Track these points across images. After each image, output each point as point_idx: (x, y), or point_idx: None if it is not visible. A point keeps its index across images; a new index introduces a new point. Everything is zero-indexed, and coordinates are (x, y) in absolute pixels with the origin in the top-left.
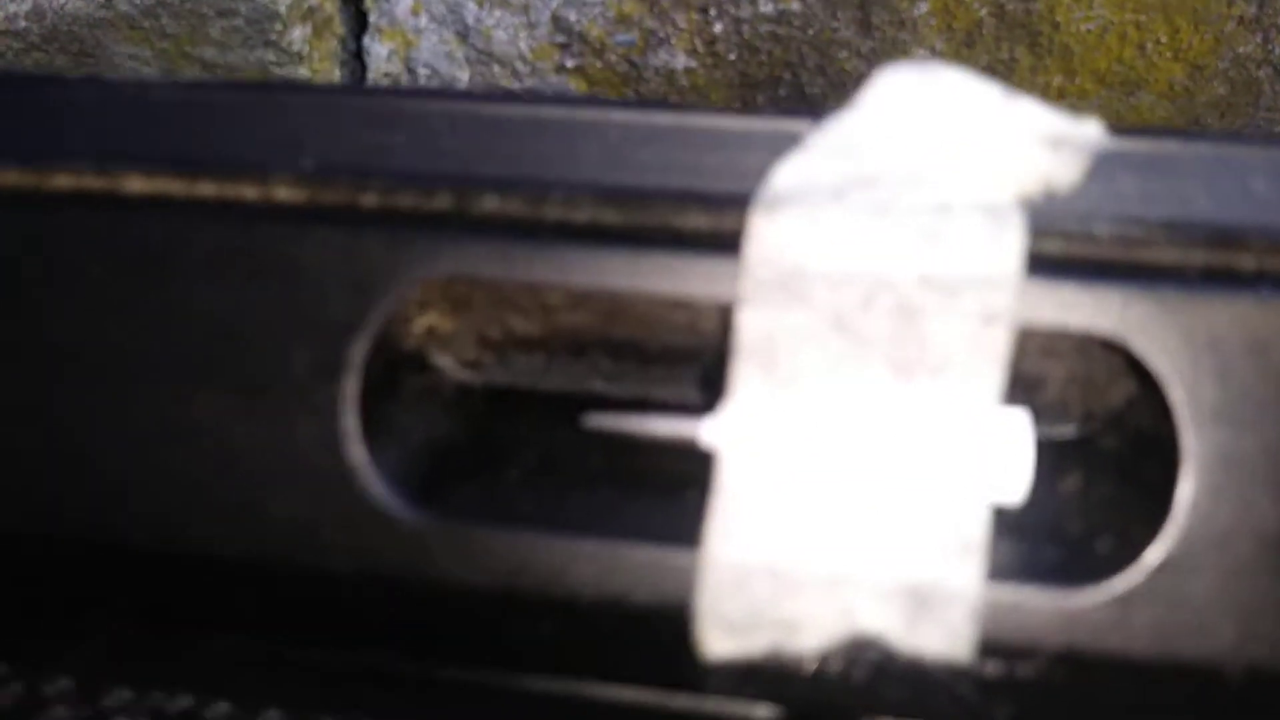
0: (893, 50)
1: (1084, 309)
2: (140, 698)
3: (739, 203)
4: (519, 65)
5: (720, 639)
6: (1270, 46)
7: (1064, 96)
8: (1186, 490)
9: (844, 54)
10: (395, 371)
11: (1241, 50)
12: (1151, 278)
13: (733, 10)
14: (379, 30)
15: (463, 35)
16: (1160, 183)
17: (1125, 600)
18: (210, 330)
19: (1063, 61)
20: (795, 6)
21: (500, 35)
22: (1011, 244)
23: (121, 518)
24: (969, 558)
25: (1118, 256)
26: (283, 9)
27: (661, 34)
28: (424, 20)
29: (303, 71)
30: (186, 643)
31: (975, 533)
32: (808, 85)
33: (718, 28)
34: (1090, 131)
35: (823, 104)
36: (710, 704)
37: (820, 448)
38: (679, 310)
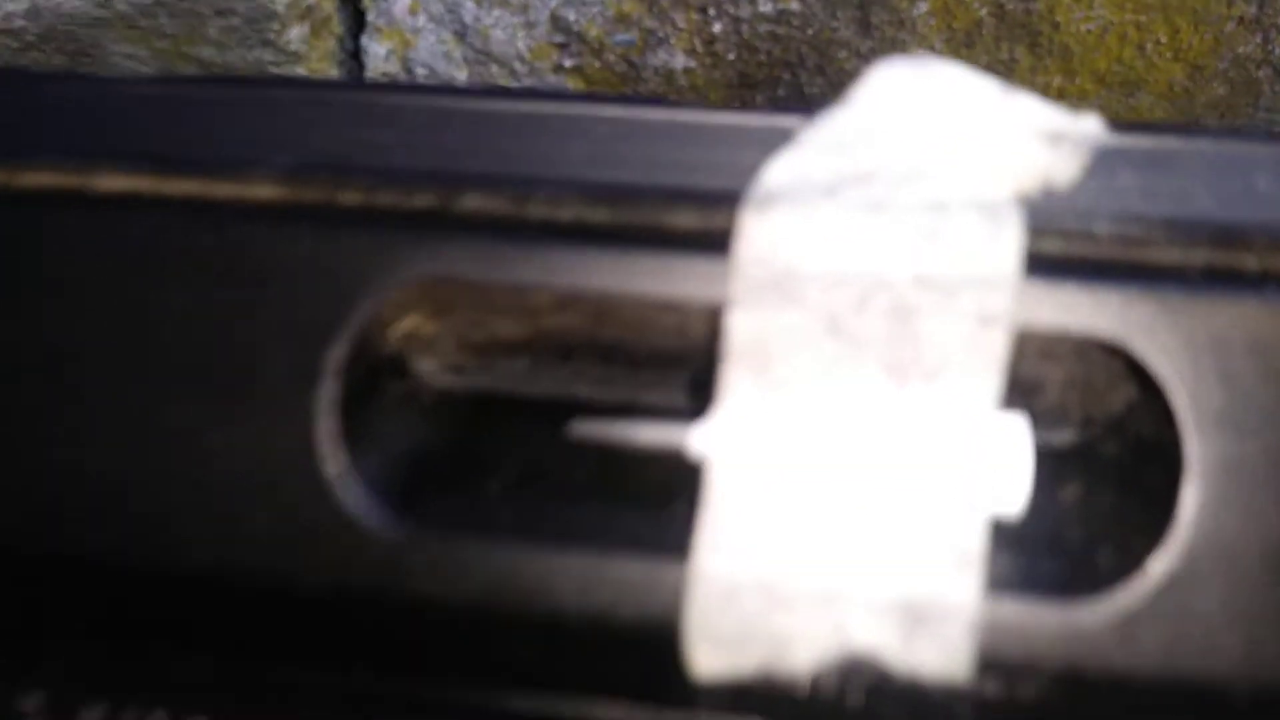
0: (892, 50)
1: (1084, 310)
2: (114, 713)
3: (729, 201)
4: (517, 65)
5: (709, 656)
6: (1270, 47)
7: (1063, 97)
8: (1190, 499)
9: (843, 54)
10: (375, 377)
11: (1241, 51)
12: (1153, 278)
13: (732, 10)
14: (377, 30)
15: (460, 35)
16: (1161, 180)
17: (1128, 614)
18: (183, 334)
19: (1062, 62)
20: (794, 6)
21: (498, 35)
22: (1009, 243)
23: (87, 530)
24: (967, 571)
25: (1118, 256)
26: (280, 8)
27: (660, 34)
28: (422, 20)
29: (300, 71)
30: (160, 658)
31: (973, 544)
32: (807, 85)
33: (717, 27)
34: (1089, 127)
35: (821, 103)
36: None
37: (813, 455)
38: (668, 312)
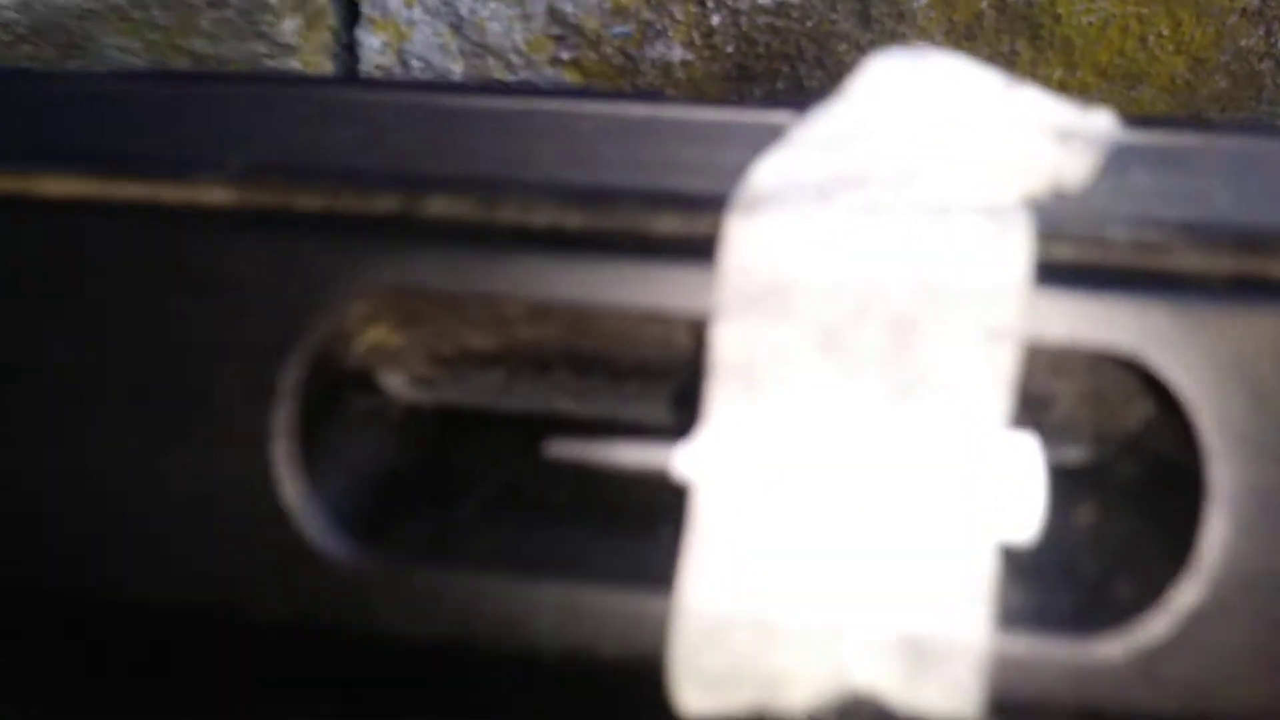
0: (892, 43)
1: (1098, 322)
2: None
3: (715, 204)
4: (513, 58)
5: (696, 695)
6: (1273, 40)
7: (1065, 90)
8: (1215, 526)
9: (843, 46)
10: (336, 393)
11: (1244, 43)
12: (1172, 287)
13: (730, 2)
14: (371, 22)
15: (456, 27)
16: (1179, 180)
17: (1149, 651)
18: (128, 348)
19: (1064, 54)
20: None
21: (494, 27)
22: (1017, 250)
23: (28, 558)
24: (975, 604)
25: (1135, 263)
26: (274, 0)
27: (658, 26)
28: (417, 12)
29: (294, 64)
30: (114, 689)
31: (981, 576)
32: (806, 78)
33: (715, 20)
34: (1101, 123)
35: (815, 97)
36: None
37: (807, 479)
38: (650, 324)
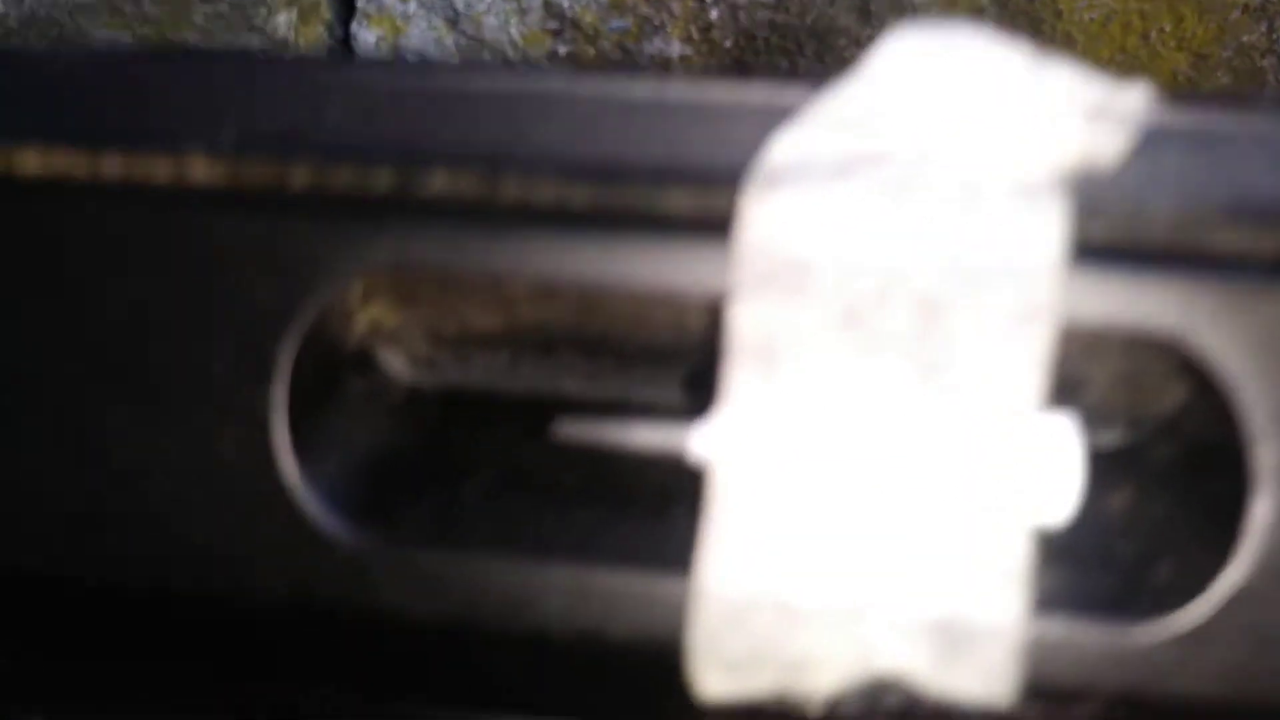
0: None
1: (1136, 303)
2: None
3: (729, 180)
4: (509, 52)
5: (717, 679)
6: (1275, 35)
7: None
8: (1260, 509)
9: (843, 41)
10: (334, 373)
11: (1246, 39)
12: (1214, 267)
13: None
14: (366, 16)
15: (452, 21)
16: (1220, 157)
17: (1192, 637)
18: (118, 329)
19: (1066, 51)
20: None
21: (490, 21)
22: (1052, 227)
23: (16, 541)
24: (1008, 587)
25: (1174, 242)
26: None
27: (656, 20)
28: (413, 6)
29: None
30: (102, 678)
31: (1016, 558)
32: (805, 73)
33: (713, 14)
34: (1137, 99)
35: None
36: None
37: (830, 460)
38: (661, 305)
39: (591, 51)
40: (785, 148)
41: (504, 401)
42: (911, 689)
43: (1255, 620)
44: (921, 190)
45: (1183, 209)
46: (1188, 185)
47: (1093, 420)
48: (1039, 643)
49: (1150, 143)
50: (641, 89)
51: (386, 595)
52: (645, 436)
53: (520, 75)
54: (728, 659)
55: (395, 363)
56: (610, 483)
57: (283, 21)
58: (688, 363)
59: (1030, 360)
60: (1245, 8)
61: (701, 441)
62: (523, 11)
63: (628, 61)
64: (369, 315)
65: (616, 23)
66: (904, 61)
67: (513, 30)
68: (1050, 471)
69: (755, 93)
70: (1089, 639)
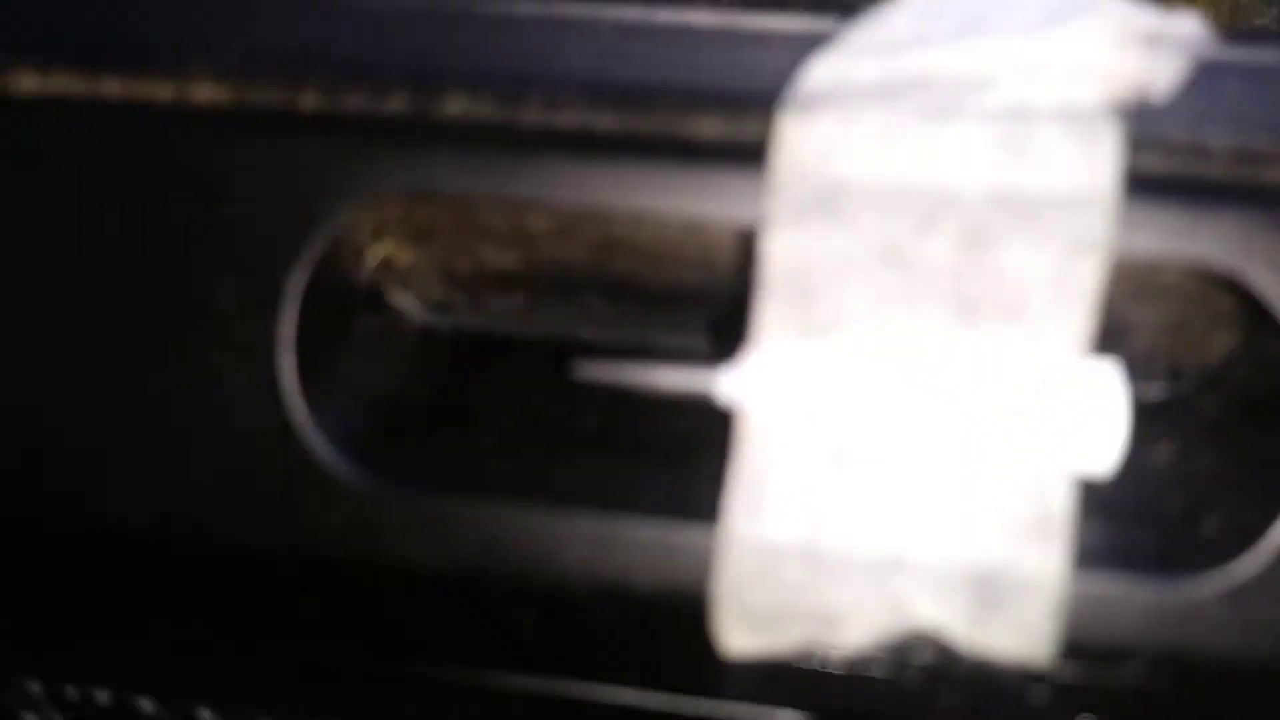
0: None
1: (1192, 236)
2: (52, 692)
3: (763, 105)
4: None
5: (743, 633)
6: None
7: None
8: None
9: None
10: (344, 310)
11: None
12: (1273, 202)
13: None
14: None
15: None
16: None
17: (1239, 593)
18: (119, 258)
19: None
20: None
21: None
22: (1105, 157)
23: (15, 481)
24: (1049, 540)
25: (1232, 175)
26: None
27: None
28: None
29: None
30: (103, 629)
31: (1057, 510)
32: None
33: None
34: (1190, 27)
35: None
36: (728, 710)
37: (866, 403)
38: (689, 238)
39: None
40: (825, 70)
41: (521, 345)
42: (946, 647)
43: None
44: (968, 114)
45: (1240, 141)
46: (1245, 118)
47: (1137, 371)
48: (1080, 599)
49: (1206, 74)
50: (671, 11)
51: (396, 543)
52: (670, 378)
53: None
54: (755, 612)
55: (407, 303)
56: (633, 428)
57: None
58: (714, 305)
59: (1079, 298)
60: None
61: (730, 383)
62: None
63: None
64: (381, 252)
65: None
66: None
67: None
68: (1095, 420)
69: (783, 24)
70: (1132, 595)
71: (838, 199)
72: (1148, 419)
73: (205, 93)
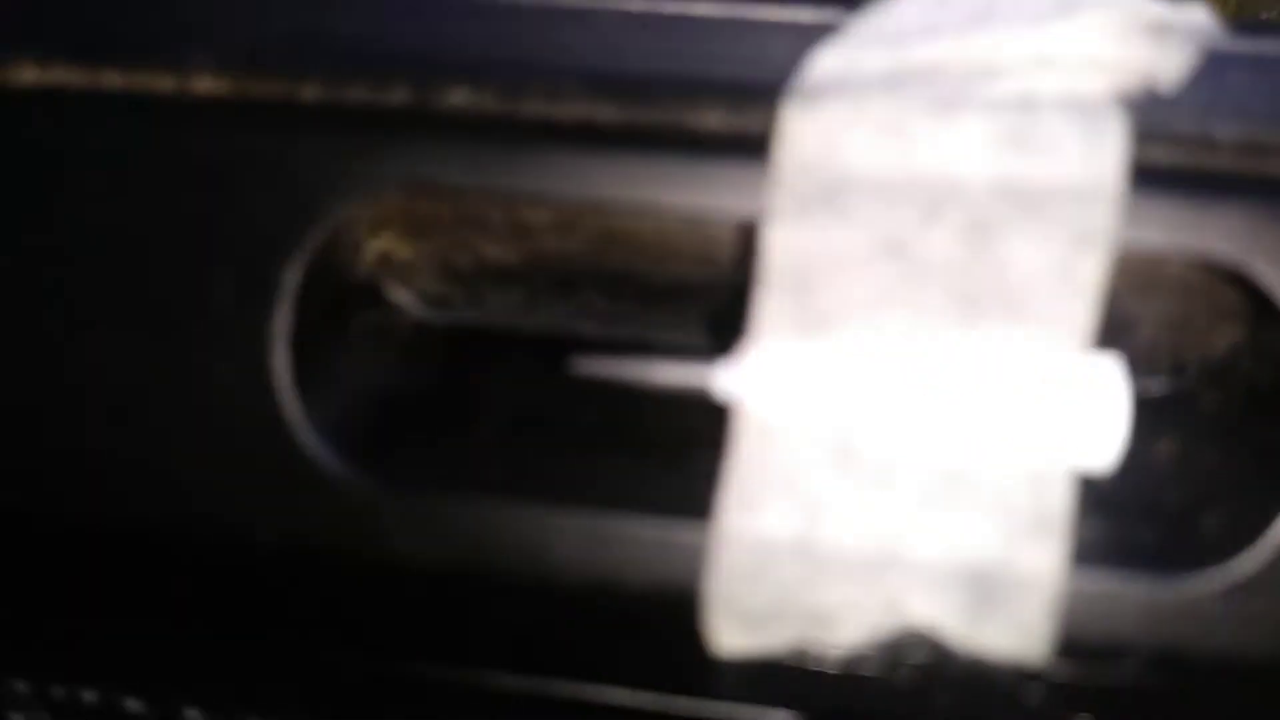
0: None
1: (1198, 229)
2: (39, 692)
3: (766, 96)
4: None
5: (735, 632)
6: None
7: None
8: None
9: None
10: (341, 305)
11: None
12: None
13: None
14: None
15: None
16: None
17: (1240, 591)
18: (114, 250)
19: None
20: None
21: None
22: (1110, 149)
23: (2, 479)
24: (1047, 537)
25: (1239, 167)
26: None
27: None
28: None
29: None
30: (91, 628)
31: (1055, 506)
32: None
33: None
34: (1198, 19)
35: None
36: (720, 710)
37: (864, 399)
38: (689, 232)
39: None
40: (828, 61)
41: (518, 341)
42: (941, 645)
43: None
44: (972, 108)
45: (1247, 134)
46: (1252, 110)
47: (1140, 365)
48: (1077, 596)
49: (1213, 66)
50: (674, 2)
51: (390, 541)
52: (666, 374)
53: None
54: (748, 611)
55: (404, 298)
56: (628, 425)
57: None
58: (713, 300)
59: (1083, 291)
60: None
61: (727, 379)
62: None
63: None
64: (379, 246)
65: None
66: None
67: None
68: (1095, 415)
69: (787, 14)
70: (1131, 593)
71: (841, 192)
72: (1150, 414)
73: (205, 84)
